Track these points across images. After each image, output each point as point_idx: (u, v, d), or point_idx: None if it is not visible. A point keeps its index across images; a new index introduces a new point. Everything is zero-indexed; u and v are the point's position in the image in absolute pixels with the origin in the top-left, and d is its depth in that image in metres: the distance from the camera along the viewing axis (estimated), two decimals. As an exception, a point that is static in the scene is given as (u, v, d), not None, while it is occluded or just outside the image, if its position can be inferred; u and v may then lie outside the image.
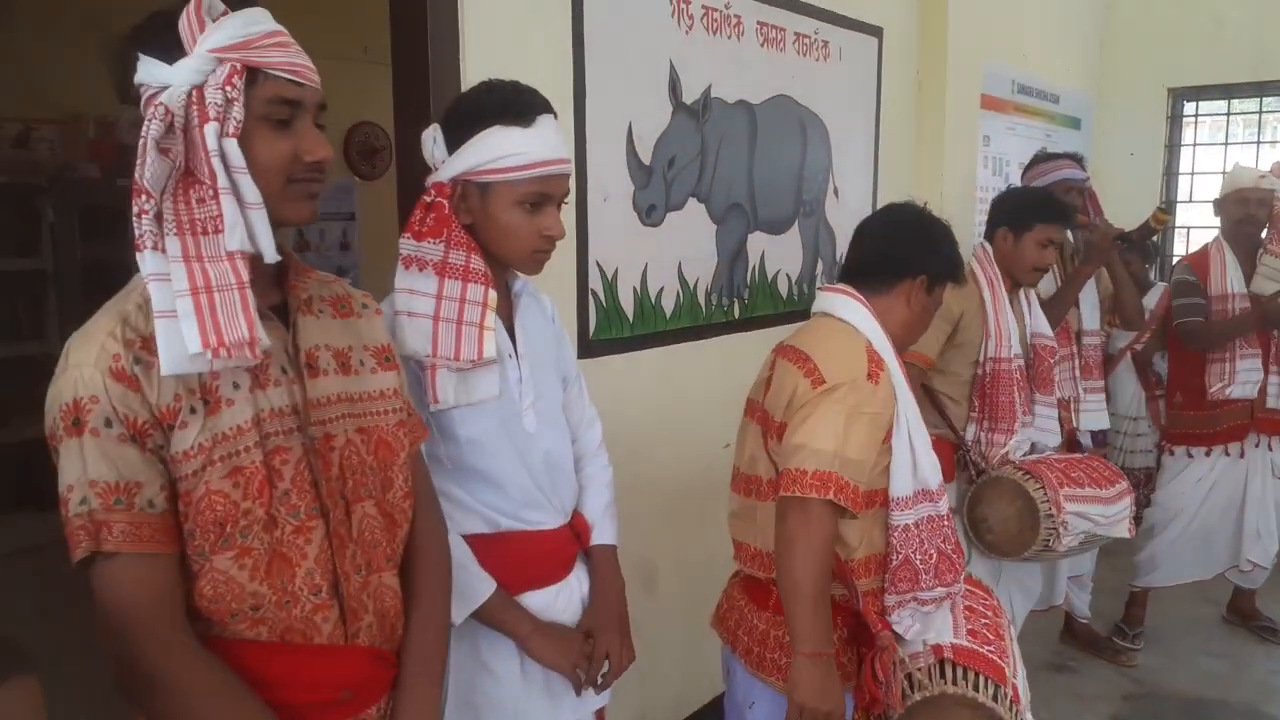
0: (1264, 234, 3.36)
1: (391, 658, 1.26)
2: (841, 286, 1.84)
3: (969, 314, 2.72)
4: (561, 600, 1.64)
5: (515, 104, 1.48)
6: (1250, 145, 5.24)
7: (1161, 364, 4.46)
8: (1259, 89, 5.19)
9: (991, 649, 1.74)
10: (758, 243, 3.01)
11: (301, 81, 1.11)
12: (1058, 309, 3.09)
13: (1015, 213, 2.76)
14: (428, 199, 1.50)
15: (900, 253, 1.81)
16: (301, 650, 1.14)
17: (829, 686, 1.61)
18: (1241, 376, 3.35)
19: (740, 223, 2.93)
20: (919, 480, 1.76)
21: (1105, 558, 3.94)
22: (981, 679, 1.66)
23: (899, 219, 1.88)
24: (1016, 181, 3.87)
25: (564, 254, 2.08)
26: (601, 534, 1.72)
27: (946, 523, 1.79)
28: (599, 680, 1.64)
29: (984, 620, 1.82)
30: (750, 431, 1.85)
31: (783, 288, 3.14)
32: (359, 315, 1.30)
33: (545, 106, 1.52)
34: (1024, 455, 2.75)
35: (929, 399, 2.71)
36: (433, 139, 1.51)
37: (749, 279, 2.99)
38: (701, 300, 2.82)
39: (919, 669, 1.67)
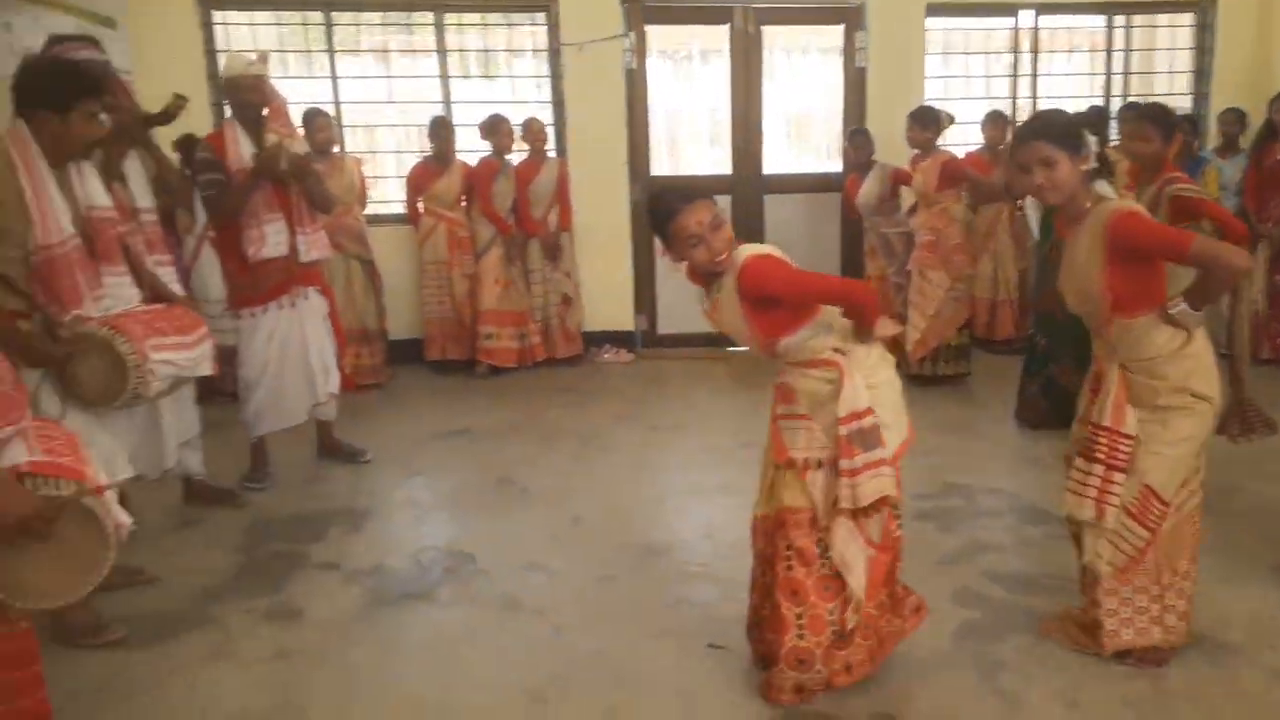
0: (264, 113, 3.87)
1: None
2: None
3: (9, 200, 2.60)
4: None
5: None
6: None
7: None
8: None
9: (69, 459, 1.87)
10: None
11: None
12: None
13: (53, 93, 2.67)
14: None
15: None
16: None
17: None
18: (271, 239, 3.89)
19: None
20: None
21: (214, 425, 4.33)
22: (62, 482, 1.78)
23: None
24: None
25: None
26: None
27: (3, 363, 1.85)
28: None
29: (58, 443, 1.93)
30: None
31: None
32: None
33: None
34: None
35: None
36: None
37: None
38: None
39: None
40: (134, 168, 3.38)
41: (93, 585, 1.81)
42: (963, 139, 6.52)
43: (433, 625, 3.02)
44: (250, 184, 3.78)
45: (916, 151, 5.39)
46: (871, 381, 2.35)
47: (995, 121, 6.26)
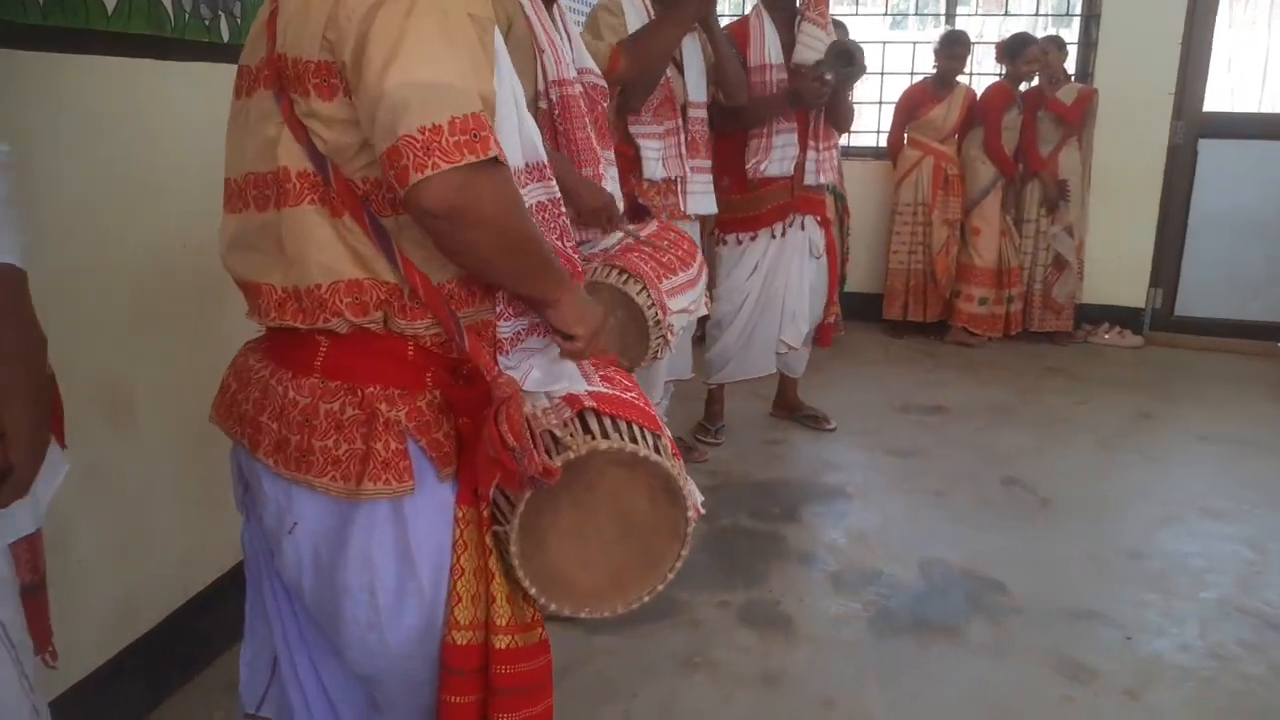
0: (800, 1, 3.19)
1: None
2: None
3: (518, 22, 1.97)
4: None
5: None
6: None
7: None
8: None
9: (634, 395, 1.25)
10: (249, -56, 2.13)
11: None
12: (642, 42, 2.55)
13: None
14: None
15: None
16: None
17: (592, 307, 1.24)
18: (778, 153, 3.19)
19: (219, -98, 2.02)
20: (528, 148, 1.18)
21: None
22: (636, 429, 1.16)
23: None
24: None
25: None
26: None
27: (562, 210, 1.26)
28: None
29: (611, 369, 1.32)
30: (255, 110, 1.12)
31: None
32: None
33: None
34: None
35: None
36: None
37: (241, -9, 2.11)
38: (168, 1, 1.89)
39: (556, 425, 1.11)
40: (691, 53, 2.77)
41: (654, 590, 1.19)
42: None
43: (969, 677, 2.20)
44: (781, 102, 3.12)
45: None
46: None
47: None
